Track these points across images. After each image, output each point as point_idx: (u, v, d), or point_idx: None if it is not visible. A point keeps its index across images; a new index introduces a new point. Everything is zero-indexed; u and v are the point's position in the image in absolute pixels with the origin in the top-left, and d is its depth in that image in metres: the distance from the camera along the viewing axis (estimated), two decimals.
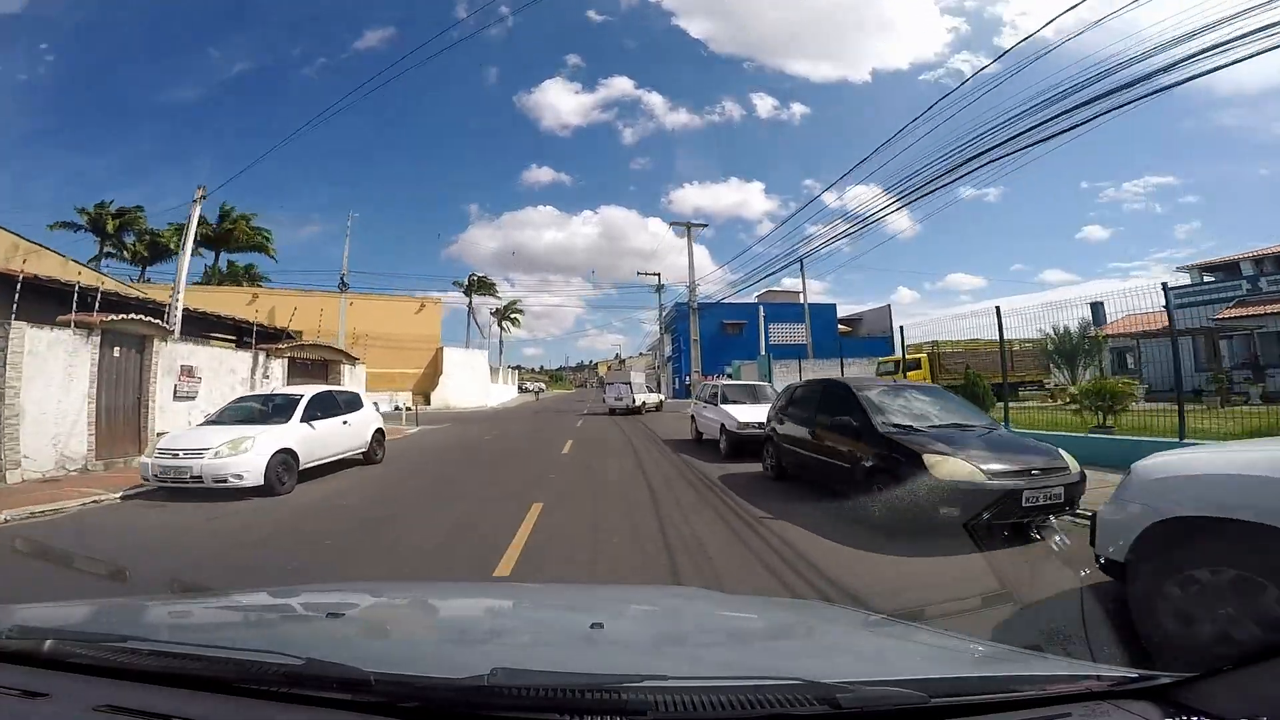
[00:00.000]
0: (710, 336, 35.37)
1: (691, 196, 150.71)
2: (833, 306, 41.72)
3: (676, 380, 43.19)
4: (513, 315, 57.15)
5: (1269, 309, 18.88)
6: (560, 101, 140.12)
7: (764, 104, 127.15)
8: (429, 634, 1.65)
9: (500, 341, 57.78)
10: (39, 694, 0.95)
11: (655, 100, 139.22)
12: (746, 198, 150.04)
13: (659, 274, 39.01)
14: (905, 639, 1.58)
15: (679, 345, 40.53)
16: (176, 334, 13.13)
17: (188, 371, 12.39)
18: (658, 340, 51.02)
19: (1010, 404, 10.31)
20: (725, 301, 32.13)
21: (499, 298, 54.82)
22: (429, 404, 31.96)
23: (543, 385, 48.08)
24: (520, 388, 63.95)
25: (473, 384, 37.20)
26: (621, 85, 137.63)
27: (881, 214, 15.22)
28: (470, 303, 52.77)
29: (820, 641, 1.60)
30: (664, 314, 41.82)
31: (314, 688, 0.94)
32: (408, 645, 1.48)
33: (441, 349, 37.15)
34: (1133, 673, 1.02)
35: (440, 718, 0.91)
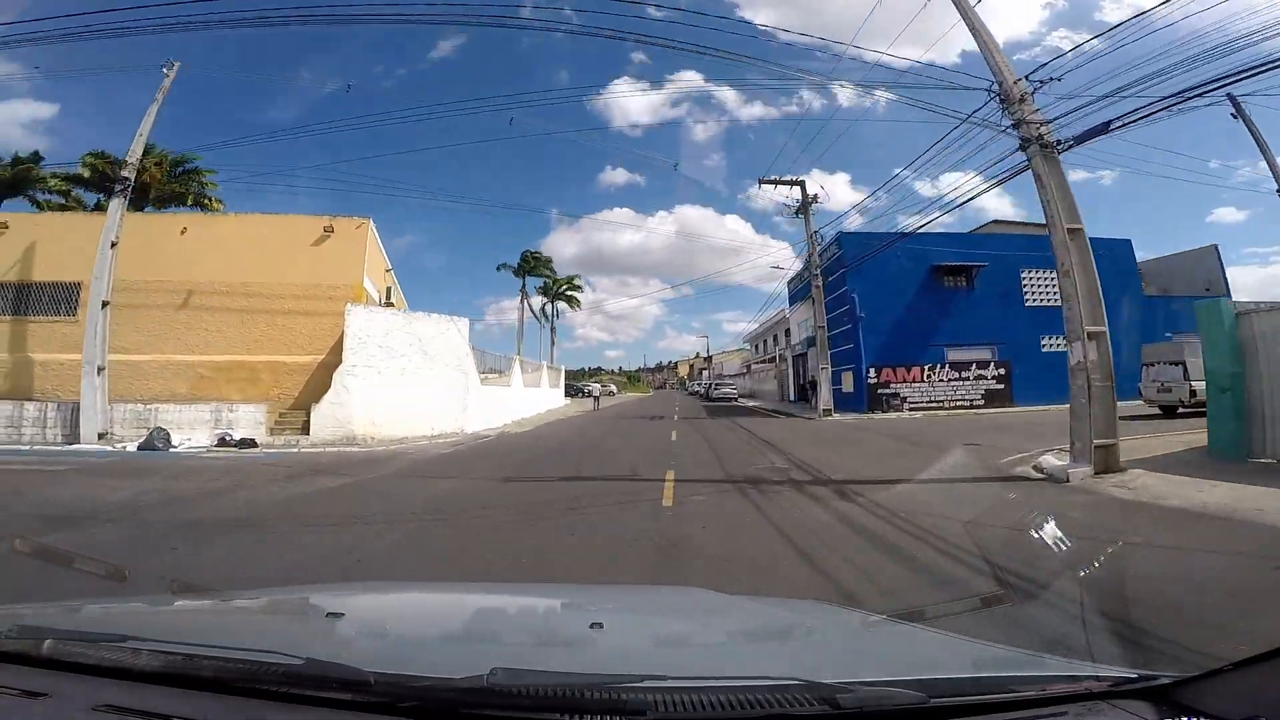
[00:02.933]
0: (899, 300, 23.82)
1: (771, 191, 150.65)
2: (1127, 243, 25.49)
3: (799, 378, 32.89)
4: (568, 294, 48.04)
5: None
6: (629, 102, 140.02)
7: (844, 92, 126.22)
8: (429, 634, 1.66)
9: (552, 328, 48.61)
10: (39, 694, 0.96)
11: (727, 95, 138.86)
12: (831, 189, 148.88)
13: (806, 192, 24.17)
14: (905, 639, 1.59)
15: (848, 320, 24.26)
16: None
17: None
18: (767, 326, 39.97)
19: None
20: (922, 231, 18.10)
21: (554, 275, 47.08)
22: (308, 432, 14.94)
23: (612, 388, 36.42)
24: (582, 390, 48.88)
25: (429, 384, 17.10)
26: (691, 80, 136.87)
27: None
28: (524, 286, 45.14)
29: (820, 641, 1.61)
30: (787, 279, 30.96)
31: (314, 688, 0.94)
32: (408, 645, 1.48)
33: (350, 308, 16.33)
34: (1132, 673, 1.03)
35: (440, 718, 0.92)
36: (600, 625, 1.49)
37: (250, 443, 13.82)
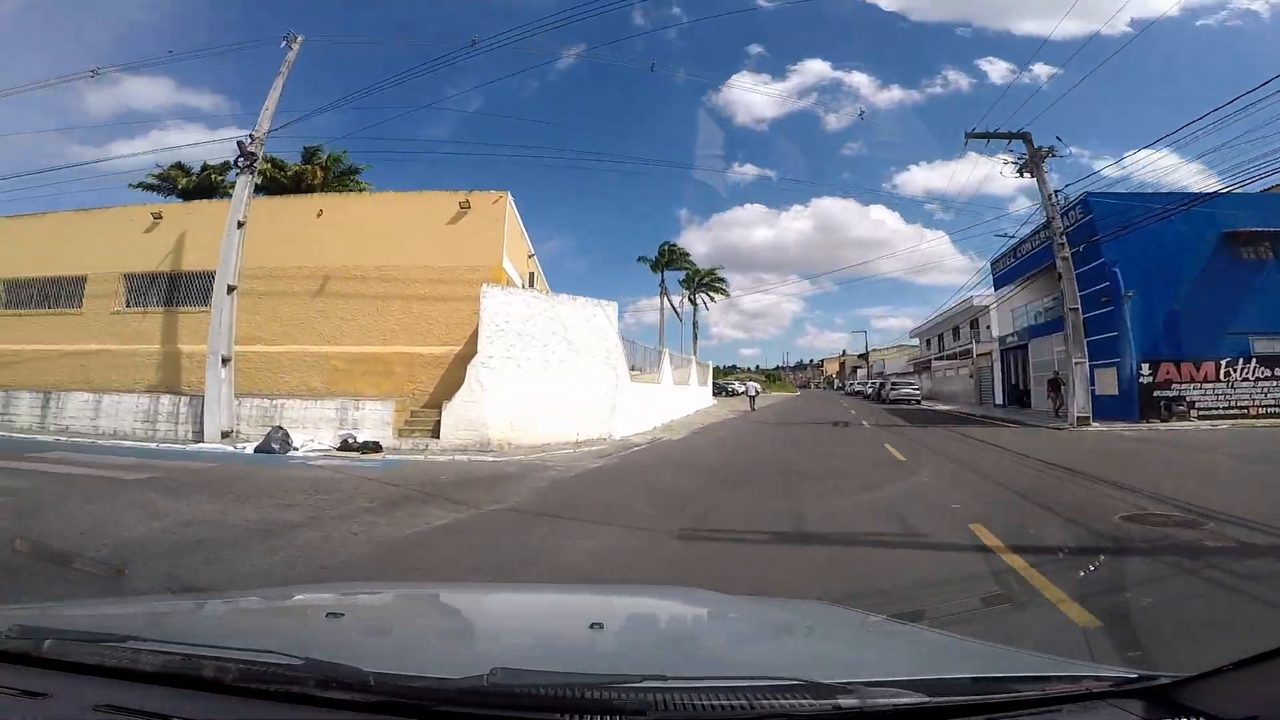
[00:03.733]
0: (1178, 276, 18.14)
1: (920, 179, 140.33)
2: None
3: (1010, 377, 27.69)
4: (714, 285, 45.15)
5: None
6: (751, 96, 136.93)
7: (995, 69, 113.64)
8: (429, 634, 1.63)
9: (694, 323, 45.51)
10: (39, 694, 0.96)
11: (859, 80, 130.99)
12: (990, 172, 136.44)
13: (1033, 144, 18.71)
14: (905, 639, 1.61)
15: (1104, 303, 18.41)
16: None
17: None
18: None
19: None
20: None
21: (695, 267, 44.50)
22: (438, 435, 12.73)
23: (758, 385, 34.41)
24: (726, 390, 47.45)
25: (574, 379, 14.22)
26: (816, 69, 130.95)
27: None
28: (663, 280, 43.13)
29: (820, 642, 1.59)
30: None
31: (314, 687, 0.93)
32: (407, 645, 1.48)
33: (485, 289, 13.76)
34: (1132, 673, 1.02)
35: (440, 717, 0.90)
36: (600, 625, 1.50)
37: (374, 446, 11.65)
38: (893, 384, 37.15)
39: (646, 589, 3.04)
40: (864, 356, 73.57)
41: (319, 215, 16.07)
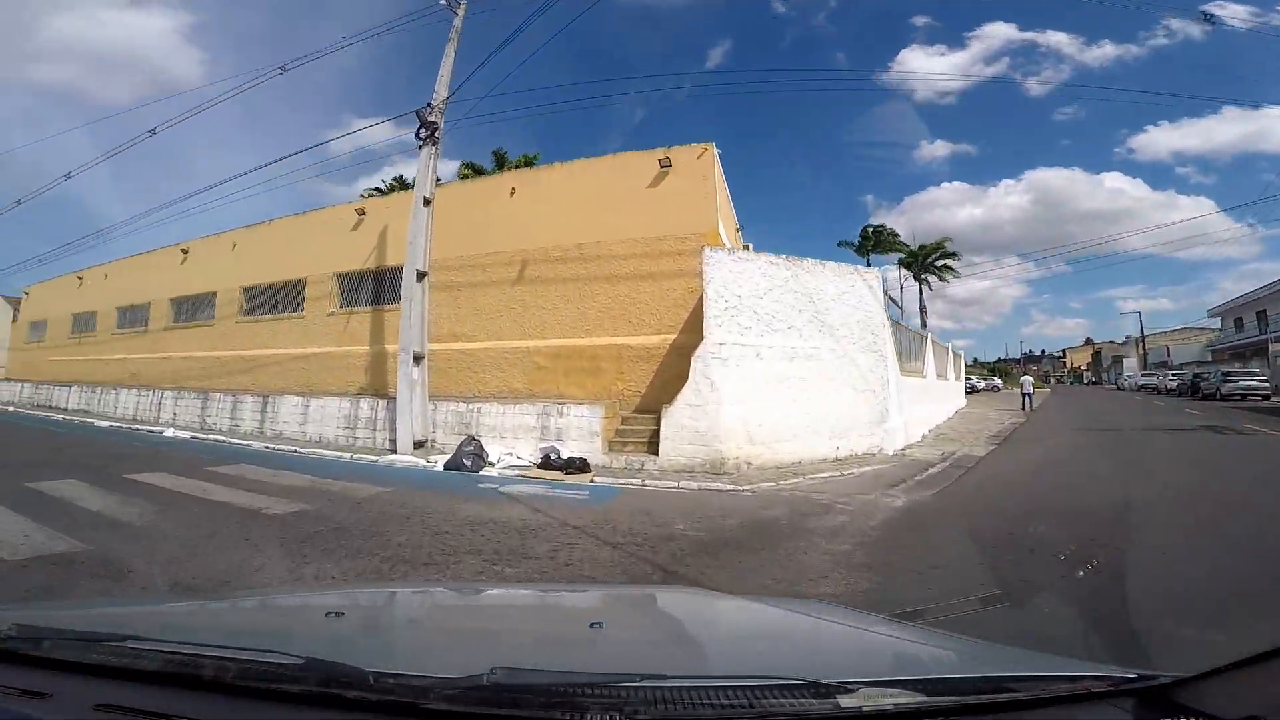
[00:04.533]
0: None
1: (1162, 140, 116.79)
2: None
3: None
4: (940, 264, 38.81)
5: None
6: (928, 68, 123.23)
7: (1234, 9, 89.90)
8: (428, 634, 1.64)
9: (922, 309, 38.93)
10: (39, 694, 0.97)
11: (1058, 40, 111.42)
12: (1261, 127, 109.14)
13: None
14: (905, 639, 1.62)
15: None
16: None
17: None
18: None
19: None
20: None
21: (908, 248, 39.29)
22: (655, 450, 9.39)
23: (1031, 380, 27.34)
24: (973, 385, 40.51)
25: (832, 374, 10.15)
26: (1000, 33, 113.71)
27: None
28: (868, 264, 37.78)
29: (820, 641, 1.58)
30: None
31: (313, 687, 0.94)
32: (407, 645, 1.49)
33: (707, 254, 10.14)
34: (1131, 673, 1.01)
35: (439, 717, 0.90)
36: (600, 625, 1.51)
37: (580, 465, 9.00)
38: (1223, 376, 27.47)
39: (646, 589, 3.03)
40: (1139, 343, 59.22)
41: (512, 194, 14.14)
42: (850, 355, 10.63)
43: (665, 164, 12.58)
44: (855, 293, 11.08)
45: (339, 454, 10.80)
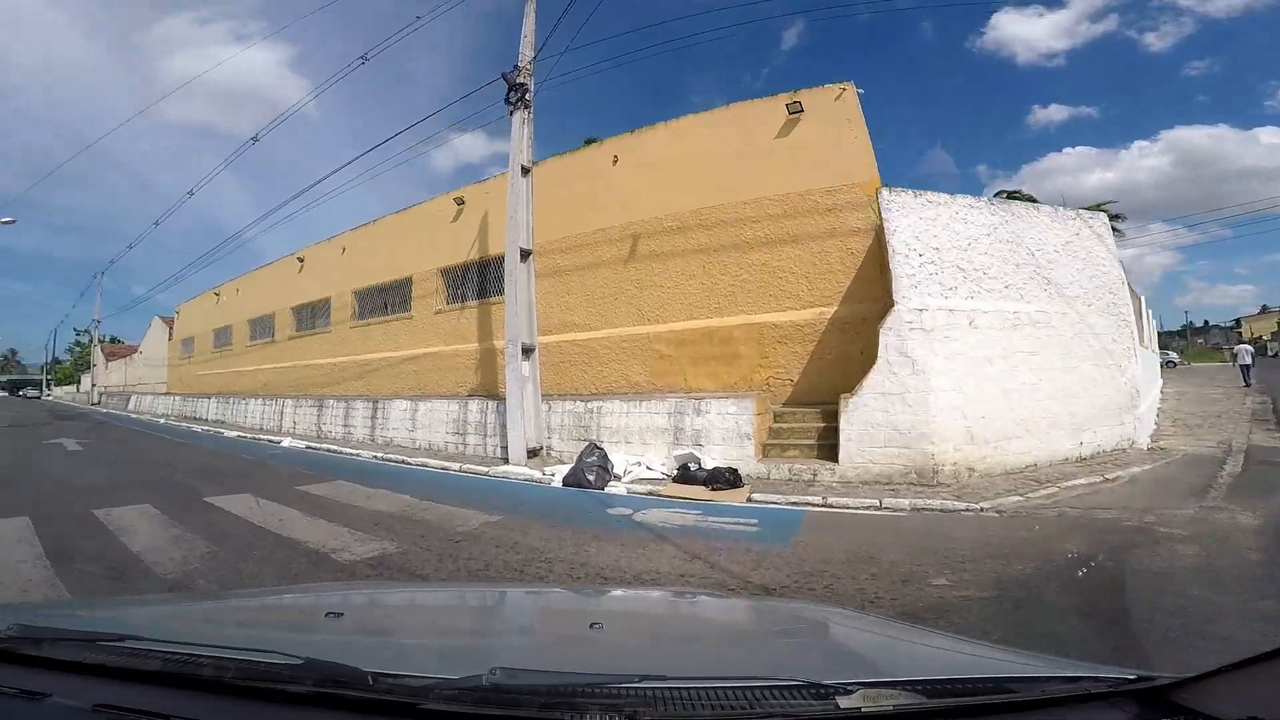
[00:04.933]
0: None
1: None
2: None
3: None
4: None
5: None
6: (1025, 31, 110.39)
7: None
8: (428, 634, 1.62)
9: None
10: (39, 694, 0.96)
11: None
12: None
13: None
14: (905, 639, 1.60)
15: None
16: None
17: None
18: None
19: None
20: None
21: None
22: (829, 454, 7.32)
23: (1250, 349, 21.46)
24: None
25: (1064, 347, 7.49)
26: None
27: None
28: None
29: (820, 642, 1.56)
30: None
31: (313, 687, 0.93)
32: (407, 645, 1.48)
33: (885, 199, 7.83)
34: (1130, 673, 1.00)
35: (439, 717, 0.89)
36: (600, 625, 1.49)
37: (729, 478, 6.96)
38: None
39: (646, 590, 2.98)
40: None
41: (614, 162, 12.30)
42: (1086, 321, 7.83)
43: (795, 109, 10.19)
44: (1082, 242, 8.22)
45: (446, 465, 9.44)
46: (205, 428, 18.41)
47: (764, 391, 9.20)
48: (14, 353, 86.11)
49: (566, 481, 7.43)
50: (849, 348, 8.99)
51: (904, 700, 0.91)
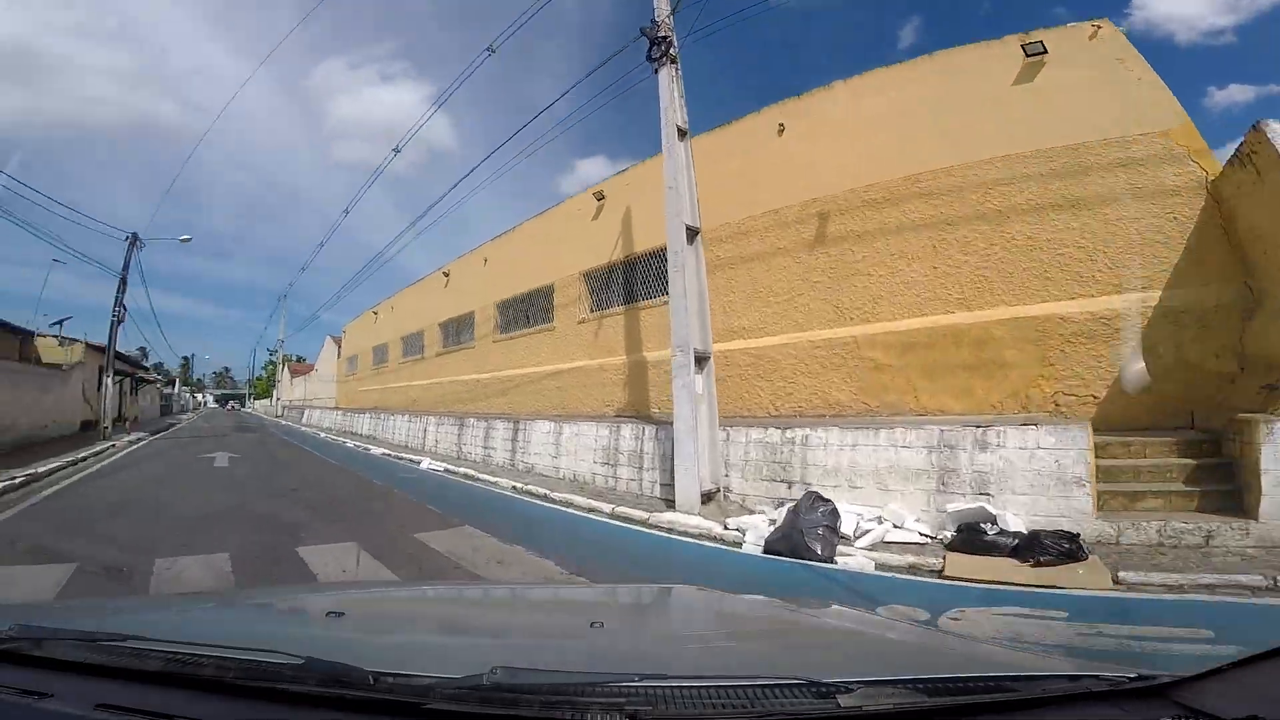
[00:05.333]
0: None
1: None
2: None
3: None
4: None
5: None
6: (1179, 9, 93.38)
7: None
8: (429, 633, 1.62)
9: None
10: (39, 694, 0.95)
11: None
12: None
13: None
14: (905, 639, 1.59)
15: None
16: None
17: None
18: None
19: None
20: None
21: None
22: (1233, 504, 4.58)
23: None
24: None
25: None
26: None
27: None
28: None
29: (820, 641, 1.55)
30: None
31: (314, 687, 0.92)
32: (407, 645, 1.45)
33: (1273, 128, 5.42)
34: (1130, 672, 0.98)
35: (440, 717, 0.88)
36: (600, 624, 1.47)
37: (1057, 547, 4.17)
38: None
39: (646, 588, 2.87)
40: None
41: (780, 132, 9.84)
42: None
43: (1035, 50, 7.36)
44: None
45: (594, 504, 7.41)
46: (356, 443, 18.26)
47: (1054, 412, 6.21)
48: (227, 370, 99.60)
49: (771, 547, 5.00)
50: (1197, 348, 5.85)
51: (904, 699, 0.90)
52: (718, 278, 9.96)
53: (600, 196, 13.26)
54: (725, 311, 9.91)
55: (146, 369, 50.17)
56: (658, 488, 7.74)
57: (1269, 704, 0.84)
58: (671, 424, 7.10)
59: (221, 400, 77.66)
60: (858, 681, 0.92)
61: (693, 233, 7.40)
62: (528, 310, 16.01)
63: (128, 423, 21.47)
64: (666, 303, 11.28)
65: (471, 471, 10.85)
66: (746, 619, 1.83)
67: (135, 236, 17.43)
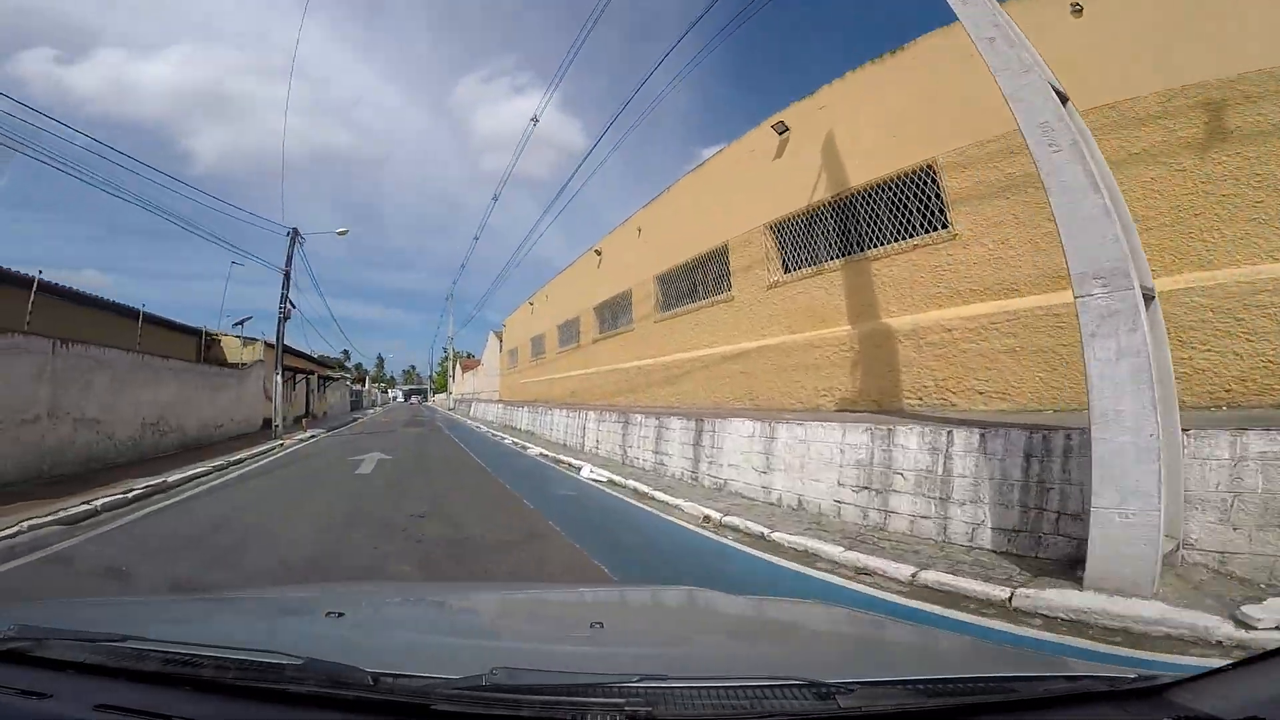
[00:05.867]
0: None
1: None
2: None
3: None
4: None
5: None
6: None
7: None
8: (429, 634, 1.60)
9: None
10: (39, 694, 0.94)
11: None
12: None
13: None
14: (906, 639, 1.59)
15: None
16: None
17: None
18: None
19: None
20: None
21: None
22: None
23: None
24: None
25: None
26: None
27: None
28: None
29: (821, 641, 1.55)
30: None
31: (314, 687, 0.92)
32: (408, 645, 1.43)
33: None
34: (1130, 673, 0.98)
35: (440, 717, 0.87)
36: (601, 625, 1.47)
37: None
38: None
39: (647, 589, 2.92)
40: None
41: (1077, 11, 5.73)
42: None
43: None
44: None
45: (865, 563, 4.20)
46: (514, 440, 16.60)
47: None
48: (413, 368, 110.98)
49: None
50: None
51: (905, 699, 0.89)
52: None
53: (782, 129, 9.88)
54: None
55: (347, 369, 55.16)
56: (985, 534, 4.32)
57: (1269, 705, 0.82)
58: (989, 427, 3.66)
59: (407, 395, 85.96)
60: (858, 682, 0.91)
61: (1063, 96, 3.85)
62: (694, 281, 13.08)
63: (304, 420, 21.97)
64: (916, 247, 7.73)
65: (642, 487, 8.08)
66: (747, 620, 1.81)
67: (295, 231, 17.20)
